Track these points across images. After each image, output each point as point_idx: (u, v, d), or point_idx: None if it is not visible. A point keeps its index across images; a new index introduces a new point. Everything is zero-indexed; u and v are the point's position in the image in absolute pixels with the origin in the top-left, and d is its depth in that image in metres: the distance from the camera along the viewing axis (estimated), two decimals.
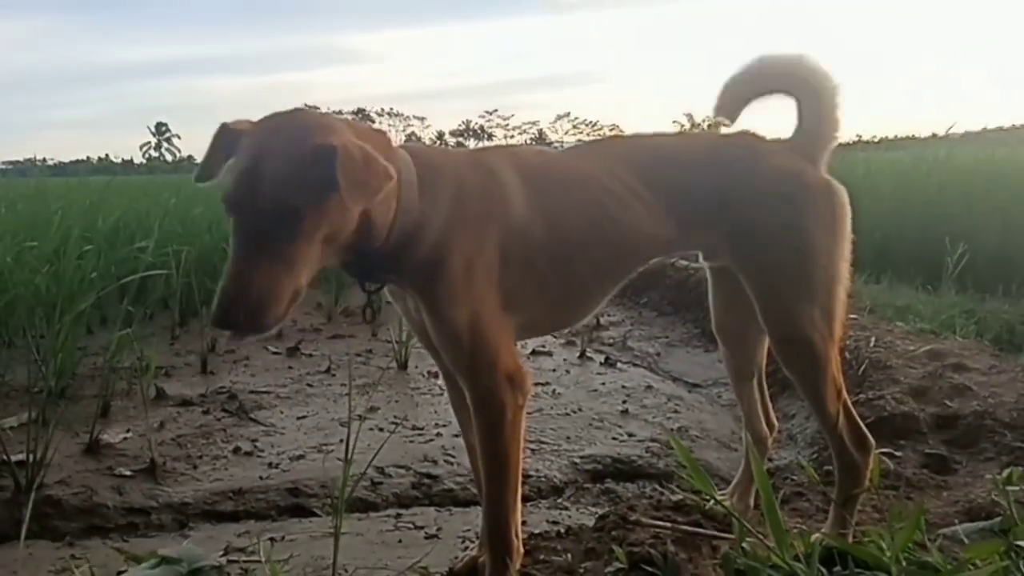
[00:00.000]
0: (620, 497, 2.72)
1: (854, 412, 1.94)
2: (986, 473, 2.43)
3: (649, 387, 3.97)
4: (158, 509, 2.56)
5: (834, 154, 1.98)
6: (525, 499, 2.69)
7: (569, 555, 1.80)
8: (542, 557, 1.85)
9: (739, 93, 2.00)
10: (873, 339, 3.69)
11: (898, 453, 2.62)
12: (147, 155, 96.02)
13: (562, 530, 2.15)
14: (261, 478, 2.79)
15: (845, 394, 1.92)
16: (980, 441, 2.68)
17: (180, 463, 2.89)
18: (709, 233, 1.91)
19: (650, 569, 1.61)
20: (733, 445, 3.36)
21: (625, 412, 3.54)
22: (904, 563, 1.41)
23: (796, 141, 1.96)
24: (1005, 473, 1.85)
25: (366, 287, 1.75)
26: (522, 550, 1.79)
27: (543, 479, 2.83)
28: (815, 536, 1.52)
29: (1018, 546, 1.51)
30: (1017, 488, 1.80)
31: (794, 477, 2.55)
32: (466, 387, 1.74)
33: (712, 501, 1.89)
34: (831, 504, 1.95)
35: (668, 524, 1.88)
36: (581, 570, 1.71)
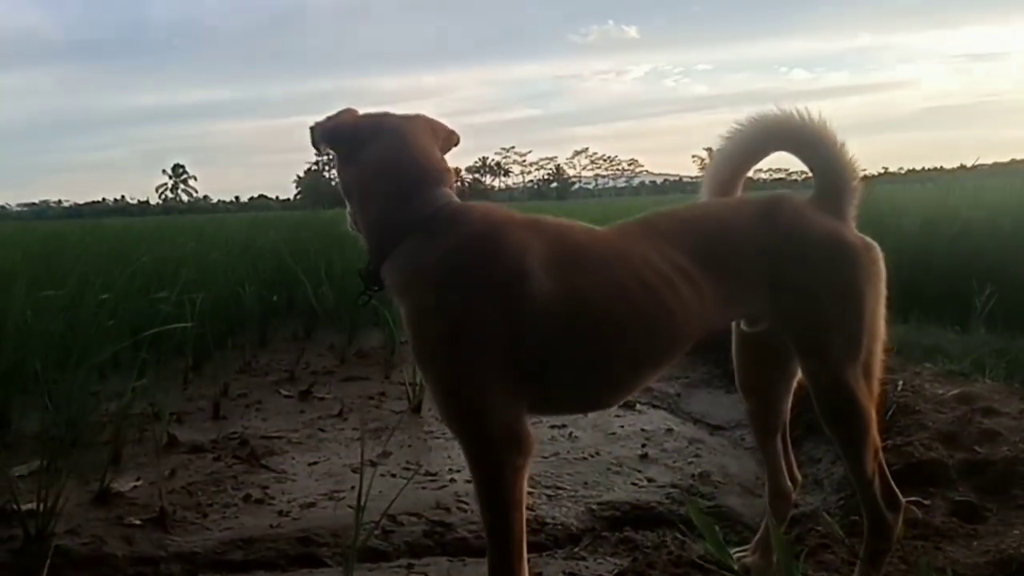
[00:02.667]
0: (639, 546, 2.68)
1: (887, 470, 1.96)
2: (1018, 521, 2.39)
3: (670, 430, 3.93)
4: (167, 559, 2.56)
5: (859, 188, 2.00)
6: (540, 548, 2.69)
7: None
8: None
9: (732, 165, 2.04)
10: (901, 383, 3.65)
11: (926, 501, 2.58)
12: (163, 196, 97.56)
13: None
14: (271, 526, 2.79)
15: (881, 453, 1.93)
16: (1011, 488, 2.63)
17: (190, 512, 2.89)
18: (757, 303, 1.92)
19: None
20: (757, 491, 3.31)
21: (644, 456, 3.51)
22: None
23: (822, 198, 1.98)
24: None
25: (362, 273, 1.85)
26: None
27: (559, 527, 2.80)
28: None
29: None
30: None
31: (819, 528, 2.51)
32: (461, 444, 1.76)
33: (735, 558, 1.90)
34: (858, 558, 1.93)
35: None
36: None
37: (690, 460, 3.53)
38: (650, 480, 3.26)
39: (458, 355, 1.64)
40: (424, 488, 3.14)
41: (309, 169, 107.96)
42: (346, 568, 1.99)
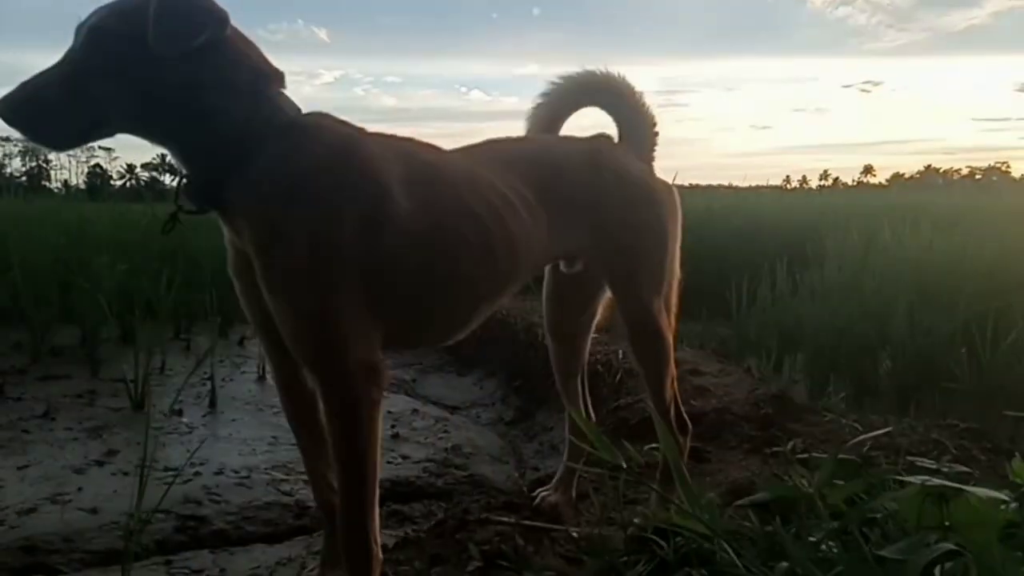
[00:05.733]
0: (408, 517, 2.75)
1: (679, 400, 2.21)
2: (734, 459, 2.81)
3: (415, 410, 4.04)
4: None
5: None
6: (308, 531, 2.65)
7: (416, 562, 1.81)
8: (387, 571, 1.82)
9: (548, 115, 2.19)
10: (622, 352, 4.08)
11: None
12: None
13: (396, 542, 2.15)
14: None
15: (676, 383, 2.20)
16: (723, 433, 3.08)
17: None
18: (580, 237, 2.02)
19: (504, 564, 1.68)
20: (503, 459, 3.54)
21: (396, 436, 3.58)
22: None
23: (630, 144, 2.18)
24: None
25: (190, 191, 1.62)
26: (380, 556, 1.71)
27: None
28: (638, 517, 1.71)
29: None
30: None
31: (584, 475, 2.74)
32: (314, 380, 1.65)
33: (538, 498, 2.07)
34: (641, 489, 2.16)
35: (512, 520, 1.96)
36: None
37: (440, 436, 3.67)
38: (405, 457, 3.33)
39: (317, 278, 1.53)
40: (166, 484, 2.91)
41: None
42: (123, 569, 1.82)
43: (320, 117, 1.69)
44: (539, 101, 2.17)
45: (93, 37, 1.52)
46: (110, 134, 1.62)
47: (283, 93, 1.66)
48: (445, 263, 1.73)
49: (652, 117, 2.22)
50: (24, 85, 1.50)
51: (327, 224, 1.55)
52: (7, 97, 1.49)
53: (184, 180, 1.62)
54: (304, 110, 1.70)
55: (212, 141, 1.56)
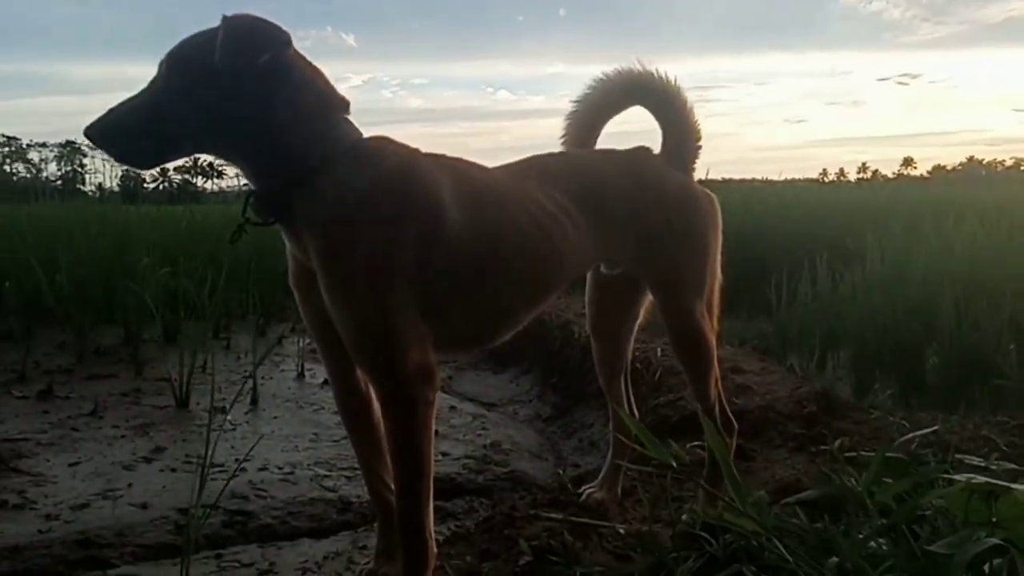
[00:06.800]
0: (451, 513, 2.80)
1: (724, 399, 2.25)
2: (779, 458, 2.82)
3: (453, 407, 4.09)
4: None
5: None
6: (351, 526, 2.71)
7: (468, 557, 1.86)
8: (440, 564, 1.87)
9: (589, 117, 2.22)
10: (660, 350, 4.10)
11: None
12: None
13: (446, 537, 2.20)
14: (41, 532, 2.53)
15: (720, 383, 2.23)
16: (767, 431, 3.09)
17: None
18: (621, 246, 2.10)
19: (554, 559, 1.72)
20: (543, 456, 3.57)
21: (436, 433, 3.61)
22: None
23: (670, 154, 2.23)
24: None
25: (259, 206, 1.73)
26: (435, 550, 1.80)
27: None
28: (686, 514, 1.73)
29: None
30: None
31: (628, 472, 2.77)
32: (373, 382, 1.75)
33: (584, 495, 2.11)
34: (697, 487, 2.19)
35: (559, 517, 2.00)
36: (485, 570, 1.77)
37: (478, 433, 3.71)
38: (444, 454, 3.38)
39: (376, 288, 1.63)
40: (213, 479, 2.99)
41: None
42: (183, 563, 1.89)
43: (381, 140, 1.80)
44: (586, 92, 2.21)
45: (172, 64, 1.64)
46: (188, 154, 1.76)
47: (347, 119, 1.77)
48: (492, 273, 1.83)
49: (699, 130, 2.26)
50: (111, 111, 1.63)
51: (387, 238, 1.65)
52: (96, 122, 1.62)
53: (252, 194, 1.73)
54: None
55: (281, 160, 1.67)
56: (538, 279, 1.94)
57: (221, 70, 1.57)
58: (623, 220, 2.06)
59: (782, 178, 14.31)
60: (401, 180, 1.71)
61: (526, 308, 1.98)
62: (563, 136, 2.28)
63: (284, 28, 1.66)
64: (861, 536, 1.41)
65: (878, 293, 4.45)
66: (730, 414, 2.31)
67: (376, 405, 1.86)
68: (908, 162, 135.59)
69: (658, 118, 2.26)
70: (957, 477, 1.35)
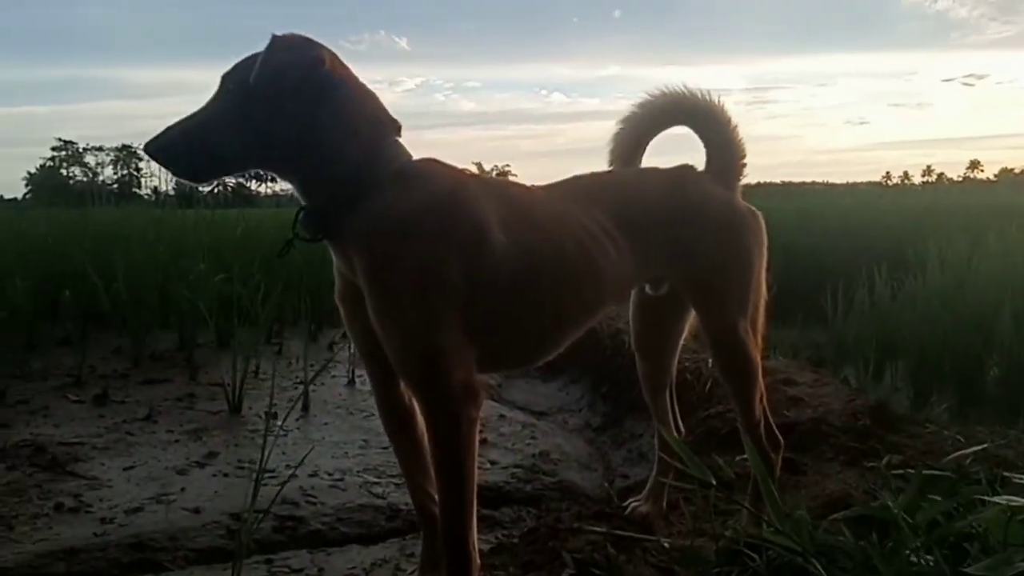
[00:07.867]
0: (499, 522, 2.83)
1: (769, 415, 2.25)
2: (831, 471, 2.79)
3: (502, 416, 4.12)
4: None
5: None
6: (400, 533, 2.76)
7: (511, 568, 1.89)
8: (483, 575, 1.91)
9: (634, 136, 2.25)
10: (710, 361, 4.07)
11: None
12: None
13: (491, 548, 2.24)
14: (96, 535, 2.63)
15: (765, 399, 2.23)
16: (819, 444, 3.05)
17: None
18: (664, 265, 2.13)
19: (597, 572, 1.74)
20: (592, 467, 3.59)
21: (484, 441, 3.66)
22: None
23: (715, 171, 2.24)
24: None
25: (308, 222, 1.78)
26: (479, 561, 1.84)
27: (414, 512, 2.87)
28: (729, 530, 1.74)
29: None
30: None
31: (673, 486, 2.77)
32: (418, 398, 1.80)
33: (629, 508, 2.12)
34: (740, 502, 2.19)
35: (603, 530, 2.03)
36: None
37: (527, 442, 3.74)
38: (493, 462, 3.41)
39: (422, 306, 1.67)
40: (264, 485, 3.06)
41: (43, 165, 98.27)
42: (235, 568, 1.96)
43: (430, 163, 1.84)
44: (630, 113, 2.24)
45: (224, 83, 1.72)
46: (242, 170, 1.83)
47: (398, 140, 1.82)
48: (536, 292, 1.86)
49: (743, 147, 2.27)
50: (169, 128, 1.72)
51: (433, 258, 1.70)
52: (155, 139, 1.71)
53: (302, 210, 1.78)
54: None
55: (331, 179, 1.72)
56: (581, 300, 1.97)
57: (253, 90, 1.64)
58: (665, 238, 2.08)
59: (844, 181, 14.05)
60: (448, 202, 1.75)
61: (569, 329, 2.01)
62: (609, 155, 2.31)
63: (323, 46, 1.72)
64: (905, 554, 1.40)
65: (938, 302, 4.37)
66: (775, 430, 2.30)
67: (419, 418, 1.91)
68: (975, 165, 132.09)
69: (702, 137, 2.27)
70: (996, 500, 1.34)
